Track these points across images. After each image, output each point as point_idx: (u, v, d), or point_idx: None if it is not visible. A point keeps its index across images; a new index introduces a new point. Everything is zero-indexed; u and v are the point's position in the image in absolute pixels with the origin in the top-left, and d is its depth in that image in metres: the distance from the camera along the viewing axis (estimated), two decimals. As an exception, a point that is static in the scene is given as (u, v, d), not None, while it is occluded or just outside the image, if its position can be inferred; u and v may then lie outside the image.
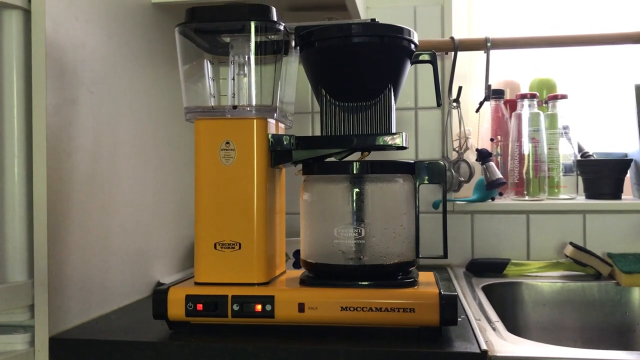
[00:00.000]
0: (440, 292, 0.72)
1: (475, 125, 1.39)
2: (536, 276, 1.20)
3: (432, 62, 0.85)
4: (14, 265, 0.77)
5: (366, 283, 0.77)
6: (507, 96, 1.41)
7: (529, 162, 1.33)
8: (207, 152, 0.79)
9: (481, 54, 1.32)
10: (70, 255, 0.80)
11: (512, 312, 1.16)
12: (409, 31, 0.82)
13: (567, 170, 1.35)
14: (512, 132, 1.35)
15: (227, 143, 0.79)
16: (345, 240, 0.78)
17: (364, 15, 1.29)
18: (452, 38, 1.30)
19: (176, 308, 0.76)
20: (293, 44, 0.85)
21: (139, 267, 0.99)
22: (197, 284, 0.79)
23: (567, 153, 1.35)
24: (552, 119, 1.35)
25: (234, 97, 0.83)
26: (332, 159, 0.82)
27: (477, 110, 1.33)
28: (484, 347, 0.69)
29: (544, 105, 1.38)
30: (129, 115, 0.97)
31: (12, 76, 0.76)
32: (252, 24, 0.79)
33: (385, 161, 0.80)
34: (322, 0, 1.10)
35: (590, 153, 1.37)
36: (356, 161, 0.79)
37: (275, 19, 0.80)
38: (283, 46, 0.83)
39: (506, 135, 1.37)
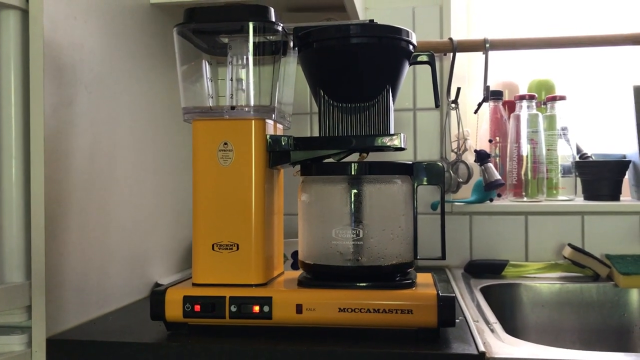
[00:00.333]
0: (438, 294, 0.72)
1: (474, 127, 1.39)
2: (534, 277, 1.20)
3: (431, 63, 0.85)
4: (11, 266, 0.76)
5: (364, 284, 0.77)
6: (506, 97, 1.41)
7: (527, 163, 1.33)
8: (205, 152, 0.79)
9: (480, 55, 1.32)
10: (67, 256, 0.80)
11: (510, 314, 1.16)
12: (407, 32, 0.82)
13: (566, 171, 1.35)
14: (510, 134, 1.35)
15: (225, 144, 0.78)
16: (343, 242, 0.78)
17: (363, 16, 1.29)
18: (450, 39, 1.30)
19: (174, 309, 0.76)
20: (291, 44, 0.85)
21: (137, 268, 0.99)
22: (194, 285, 0.79)
23: (565, 154, 1.35)
24: (551, 120, 1.35)
25: (232, 97, 0.82)
26: (331, 160, 0.82)
27: (476, 112, 1.33)
28: (481, 348, 0.69)
29: (542, 106, 1.38)
30: (127, 116, 0.96)
31: (10, 76, 0.76)
32: (251, 25, 0.79)
33: (383, 162, 0.80)
34: (321, 1, 1.10)
35: (589, 154, 1.37)
36: (354, 162, 0.79)
37: (273, 19, 0.80)
38: (281, 47, 0.83)
39: (505, 137, 1.37)
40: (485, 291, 1.09)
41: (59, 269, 0.78)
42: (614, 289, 1.15)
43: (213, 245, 0.78)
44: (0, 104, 0.76)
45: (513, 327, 1.15)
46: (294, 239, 0.94)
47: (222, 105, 0.83)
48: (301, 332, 0.75)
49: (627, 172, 1.32)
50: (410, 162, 0.81)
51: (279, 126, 0.87)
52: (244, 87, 0.82)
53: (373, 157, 0.83)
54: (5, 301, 0.74)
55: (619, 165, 1.31)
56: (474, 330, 0.78)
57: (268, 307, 0.74)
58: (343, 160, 0.82)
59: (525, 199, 1.33)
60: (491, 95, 1.34)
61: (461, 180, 1.29)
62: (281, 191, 0.88)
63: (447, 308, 0.71)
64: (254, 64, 0.81)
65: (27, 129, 0.77)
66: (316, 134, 0.82)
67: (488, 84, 1.29)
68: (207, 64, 0.86)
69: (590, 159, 1.36)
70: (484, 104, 1.31)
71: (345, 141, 0.81)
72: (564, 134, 1.35)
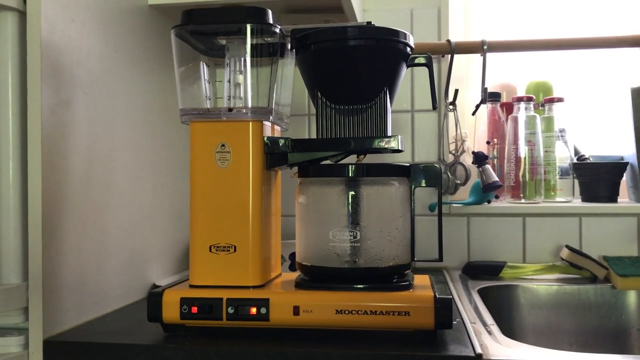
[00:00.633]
0: (435, 296, 0.72)
1: (472, 128, 1.39)
2: (532, 279, 1.21)
3: (428, 65, 0.85)
4: (8, 268, 0.76)
5: (361, 286, 0.77)
6: (504, 99, 1.41)
7: (525, 165, 1.33)
8: (203, 154, 0.79)
9: (478, 57, 1.32)
10: (65, 257, 0.80)
11: (507, 315, 1.16)
12: (405, 34, 0.82)
13: (564, 173, 1.35)
14: (508, 135, 1.35)
15: (223, 145, 0.78)
16: (340, 243, 0.78)
17: (361, 17, 1.29)
18: (448, 41, 1.30)
19: (171, 311, 0.76)
20: (289, 46, 0.85)
21: (135, 269, 0.99)
22: (192, 286, 0.79)
23: (563, 156, 1.35)
24: (549, 122, 1.35)
25: (229, 99, 0.82)
26: (328, 161, 0.82)
27: (474, 113, 1.33)
28: (478, 350, 0.69)
29: (540, 108, 1.38)
30: (124, 117, 0.96)
31: (7, 77, 0.76)
32: (248, 27, 0.79)
33: (380, 164, 0.81)
34: (319, 3, 1.10)
35: (587, 156, 1.37)
36: (352, 164, 0.79)
37: (271, 21, 0.80)
38: (279, 49, 0.83)
39: (502, 138, 1.37)
40: (482, 293, 1.09)
41: (56, 270, 0.78)
42: (612, 291, 1.15)
43: (210, 247, 0.78)
44: (-2, 105, 0.76)
45: (510, 328, 1.15)
46: (292, 240, 0.94)
47: (220, 107, 0.83)
48: (298, 334, 0.75)
49: (624, 174, 1.32)
50: (408, 164, 0.81)
51: (277, 128, 0.87)
52: (241, 89, 0.82)
53: (370, 158, 0.83)
54: (2, 302, 0.74)
55: (616, 167, 1.31)
56: (471, 332, 0.78)
57: (265, 309, 0.74)
58: (340, 162, 0.82)
59: (522, 200, 1.33)
60: (489, 97, 1.34)
61: (459, 181, 1.30)
62: (279, 193, 0.88)
63: (444, 310, 0.71)
64: (252, 66, 0.82)
65: (24, 130, 0.76)
66: (314, 135, 0.82)
67: (486, 86, 1.29)
68: (204, 65, 0.86)
69: (588, 161, 1.36)
70: (482, 105, 1.31)
71: (343, 143, 0.81)
72: (561, 136, 1.36)
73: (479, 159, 1.26)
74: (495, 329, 0.82)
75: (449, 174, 1.29)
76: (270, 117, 0.81)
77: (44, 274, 0.75)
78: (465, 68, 1.43)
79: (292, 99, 0.93)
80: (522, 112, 1.34)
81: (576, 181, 1.35)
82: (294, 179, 0.84)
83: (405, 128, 1.36)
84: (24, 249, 0.77)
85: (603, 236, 1.28)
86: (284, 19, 1.16)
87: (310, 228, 0.82)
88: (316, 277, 0.80)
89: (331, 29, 0.81)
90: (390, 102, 0.84)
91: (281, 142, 0.80)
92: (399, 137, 0.80)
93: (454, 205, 1.32)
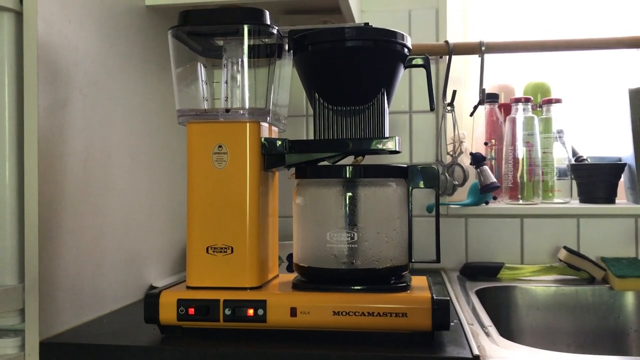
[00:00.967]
0: (432, 297, 0.72)
1: (470, 129, 1.39)
2: (530, 280, 1.20)
3: (426, 66, 0.85)
4: (4, 269, 0.76)
5: (359, 287, 0.76)
6: (502, 100, 1.42)
7: (523, 166, 1.33)
8: (200, 155, 0.79)
9: (476, 58, 1.32)
10: (62, 258, 0.80)
11: (505, 317, 1.16)
12: (402, 35, 0.82)
13: (561, 174, 1.35)
14: (506, 136, 1.35)
15: (220, 146, 0.78)
16: (338, 245, 0.78)
17: (359, 18, 1.29)
18: (446, 42, 1.30)
19: (168, 312, 0.75)
20: (287, 47, 0.85)
21: (132, 270, 0.99)
22: (189, 288, 0.78)
23: (561, 157, 1.35)
24: (547, 123, 1.35)
25: (227, 100, 0.82)
26: (326, 162, 0.82)
27: (472, 114, 1.33)
28: (476, 352, 0.69)
29: (538, 109, 1.38)
30: (121, 118, 0.96)
31: (4, 78, 0.76)
32: (246, 27, 0.79)
33: (378, 165, 0.80)
34: (317, 4, 1.10)
35: (585, 157, 1.37)
36: (349, 165, 0.79)
37: (268, 22, 0.80)
38: (276, 49, 0.83)
39: (500, 139, 1.37)
40: (480, 294, 1.09)
41: (52, 271, 0.78)
42: (609, 292, 1.15)
43: (207, 248, 0.78)
44: (-6, 106, 0.76)
45: (508, 330, 1.15)
46: (289, 241, 0.94)
47: (217, 107, 0.83)
48: (295, 336, 0.75)
49: (622, 175, 1.33)
50: (406, 165, 0.81)
51: (274, 129, 0.87)
52: (238, 90, 0.82)
53: (368, 160, 0.83)
54: (-2, 304, 0.73)
55: (614, 168, 1.31)
56: (469, 334, 0.78)
57: (262, 310, 0.74)
58: (338, 163, 0.82)
59: (520, 201, 1.33)
60: (487, 98, 1.34)
61: (457, 182, 1.30)
62: (276, 194, 0.88)
63: (442, 311, 0.71)
64: (249, 67, 0.81)
65: (21, 131, 0.76)
66: (312, 136, 0.82)
67: (484, 87, 1.29)
68: (202, 66, 0.86)
69: (586, 162, 1.36)
70: (480, 106, 1.31)
71: (341, 144, 0.81)
72: (559, 137, 1.36)
73: (477, 160, 1.26)
74: (493, 330, 0.82)
75: (447, 175, 1.29)
76: (268, 118, 0.81)
77: (41, 275, 0.75)
78: (463, 69, 1.43)
79: (290, 99, 0.93)
80: (520, 113, 1.34)
81: (574, 182, 1.35)
82: (291, 180, 0.84)
83: (403, 129, 1.36)
84: (20, 250, 0.76)
85: (601, 237, 1.28)
86: (281, 19, 1.16)
87: (307, 229, 0.81)
88: (313, 278, 0.80)
89: (329, 30, 0.81)
90: (388, 103, 0.84)
91: (278, 143, 0.80)
92: (397, 138, 0.80)
93: (451, 206, 1.32)
